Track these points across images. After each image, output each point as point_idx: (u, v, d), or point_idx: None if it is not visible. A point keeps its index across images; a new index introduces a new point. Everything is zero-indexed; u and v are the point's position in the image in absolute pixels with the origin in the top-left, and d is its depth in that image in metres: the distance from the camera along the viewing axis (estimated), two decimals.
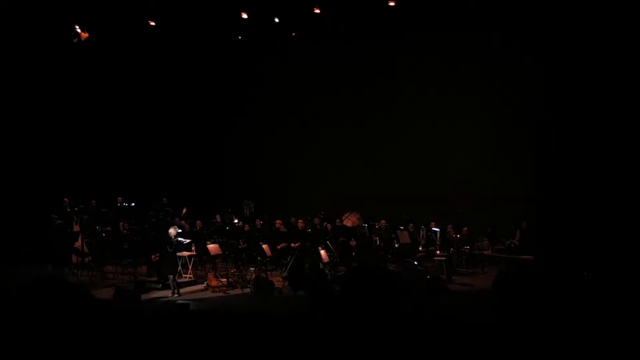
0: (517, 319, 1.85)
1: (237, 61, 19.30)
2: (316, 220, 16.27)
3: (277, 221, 16.07)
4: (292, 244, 14.95)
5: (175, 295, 12.24)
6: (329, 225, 15.96)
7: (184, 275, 13.69)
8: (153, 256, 13.19)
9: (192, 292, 12.79)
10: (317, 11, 15.70)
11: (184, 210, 17.01)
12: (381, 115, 18.76)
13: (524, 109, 16.77)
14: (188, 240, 14.11)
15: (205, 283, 13.28)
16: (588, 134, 15.50)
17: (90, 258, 14.99)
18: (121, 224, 16.09)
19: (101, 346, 1.70)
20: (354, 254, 14.90)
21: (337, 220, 16.38)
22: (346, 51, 18.29)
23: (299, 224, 15.77)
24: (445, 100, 17.75)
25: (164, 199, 17.56)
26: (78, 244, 14.82)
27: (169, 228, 13.26)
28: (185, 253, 13.82)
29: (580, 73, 15.48)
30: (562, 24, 15.23)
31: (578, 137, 15.71)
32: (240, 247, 15.16)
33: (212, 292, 12.81)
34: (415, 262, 14.21)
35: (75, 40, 16.25)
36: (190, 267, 13.99)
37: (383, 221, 16.15)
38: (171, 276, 12.50)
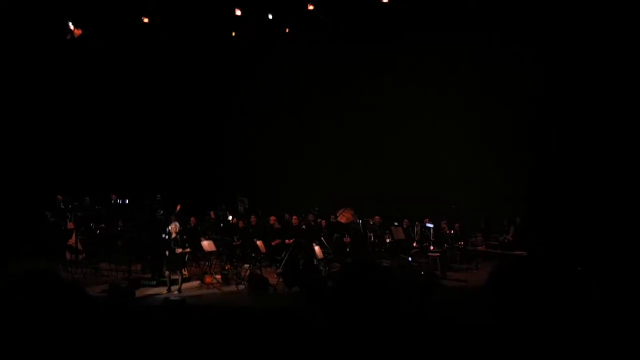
0: (512, 317, 1.86)
1: (233, 58, 19.27)
2: (310, 217, 16.28)
3: (272, 217, 16.06)
4: (286, 241, 14.95)
5: (175, 292, 12.23)
6: (323, 221, 15.97)
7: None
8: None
9: (186, 289, 12.77)
10: (311, 8, 15.68)
11: (178, 207, 16.97)
12: (377, 113, 18.74)
13: (520, 108, 16.79)
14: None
15: (199, 280, 13.27)
16: (584, 131, 15.54)
17: (84, 255, 14.94)
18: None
19: (95, 342, 1.70)
20: (348, 250, 14.92)
21: (332, 217, 16.39)
22: (344, 50, 18.30)
23: (293, 220, 15.76)
24: (440, 98, 17.75)
25: (158, 196, 17.52)
26: (72, 241, 14.78)
27: (163, 225, 13.22)
28: (179, 250, 13.79)
29: (578, 72, 15.51)
30: (562, 24, 15.25)
31: (573, 135, 15.75)
32: (234, 243, 15.15)
33: (207, 288, 12.81)
34: (410, 258, 14.24)
35: (68, 37, 16.17)
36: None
37: (377, 217, 16.19)
38: (171, 272, 12.48)
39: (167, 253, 12.65)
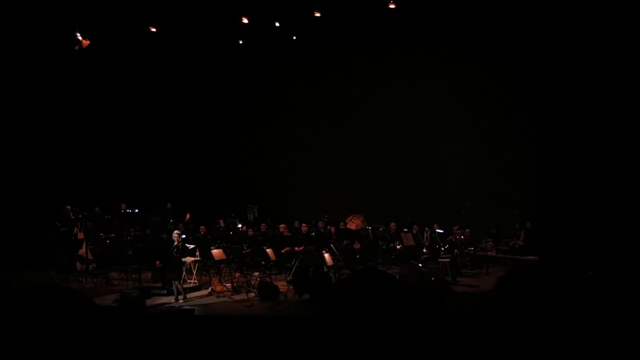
0: (521, 323, 1.84)
1: (234, 66, 19.36)
2: (320, 224, 16.27)
3: (282, 225, 16.07)
4: (296, 248, 14.95)
5: (181, 300, 12.24)
6: (332, 228, 15.95)
7: (188, 281, 13.69)
8: (157, 262, 13.20)
9: (196, 297, 12.78)
10: (318, 15, 15.69)
11: (188, 216, 17.01)
12: (382, 117, 18.73)
13: (524, 109, 16.73)
14: (192, 246, 14.14)
15: (209, 288, 13.27)
16: (588, 132, 15.45)
17: (95, 265, 15.01)
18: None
19: (102, 352, 1.70)
20: (358, 256, 14.89)
21: (341, 224, 16.37)
22: (345, 51, 18.31)
23: (302, 227, 15.76)
24: (446, 101, 17.70)
25: (169, 204, 17.57)
26: (82, 251, 14.83)
27: (171, 233, 13.27)
28: (190, 258, 13.82)
29: (581, 70, 15.44)
30: (559, 20, 15.18)
31: (578, 136, 15.66)
32: (244, 252, 15.16)
33: (217, 297, 12.81)
34: (420, 264, 14.19)
35: (76, 48, 16.27)
36: (194, 273, 14.00)
37: (393, 224, 16.09)
38: (175, 281, 12.49)
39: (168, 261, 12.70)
